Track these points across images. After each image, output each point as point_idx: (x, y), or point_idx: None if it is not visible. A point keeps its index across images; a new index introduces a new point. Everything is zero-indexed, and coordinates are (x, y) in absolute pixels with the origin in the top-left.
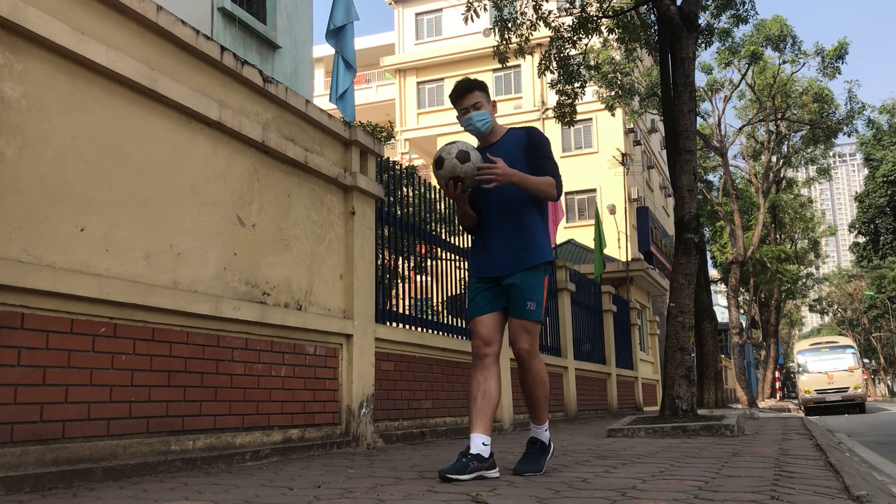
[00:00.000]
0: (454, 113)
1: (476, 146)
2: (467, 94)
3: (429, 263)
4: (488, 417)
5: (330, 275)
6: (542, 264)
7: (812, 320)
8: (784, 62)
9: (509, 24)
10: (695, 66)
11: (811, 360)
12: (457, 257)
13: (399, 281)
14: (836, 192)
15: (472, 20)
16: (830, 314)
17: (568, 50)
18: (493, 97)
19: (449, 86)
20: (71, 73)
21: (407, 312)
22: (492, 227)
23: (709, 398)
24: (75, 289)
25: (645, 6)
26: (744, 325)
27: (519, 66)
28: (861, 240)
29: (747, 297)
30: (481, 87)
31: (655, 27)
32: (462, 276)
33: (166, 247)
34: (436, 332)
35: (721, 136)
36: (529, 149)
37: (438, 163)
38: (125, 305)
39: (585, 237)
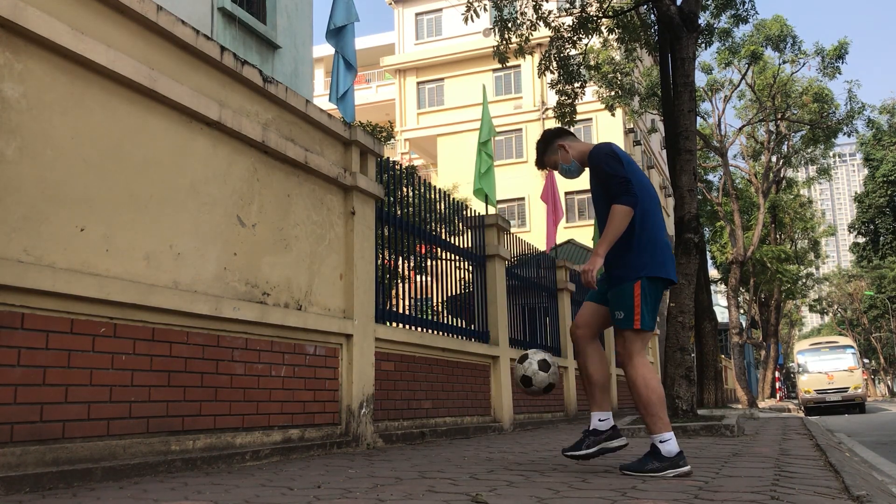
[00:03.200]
0: (454, 113)
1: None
2: (543, 167)
3: (429, 263)
4: (597, 395)
5: (330, 275)
6: (628, 280)
7: (812, 320)
8: (784, 62)
9: (509, 24)
10: (695, 66)
11: (811, 360)
12: (457, 257)
13: (399, 281)
14: (836, 192)
15: (472, 20)
16: (830, 314)
17: (568, 50)
18: (492, 97)
19: (449, 86)
20: (71, 73)
21: (407, 312)
22: None
23: (709, 398)
24: (75, 289)
25: (645, 6)
26: (744, 325)
27: (519, 66)
28: (861, 240)
29: (747, 297)
30: (544, 149)
31: (655, 27)
32: (462, 276)
33: (166, 247)
34: (436, 332)
35: (721, 136)
36: (595, 172)
37: (526, 381)
38: (125, 305)
39: (585, 237)
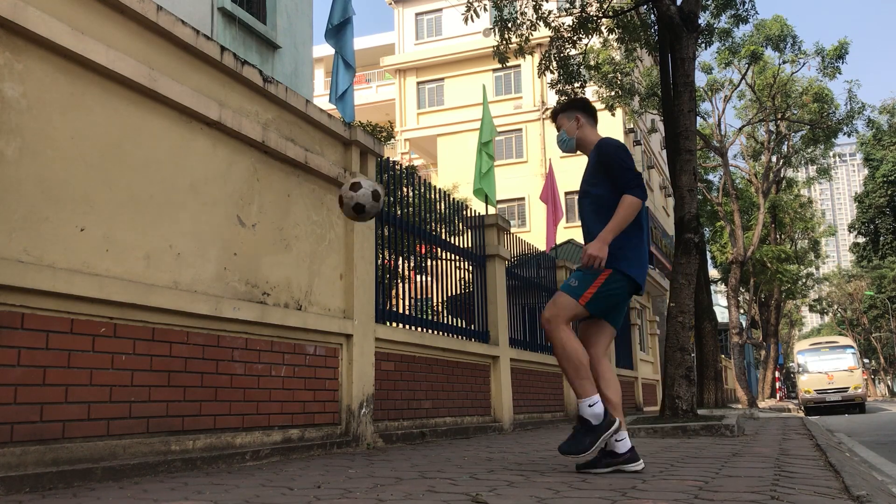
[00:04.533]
0: (454, 113)
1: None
2: (553, 121)
3: (429, 263)
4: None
5: (330, 275)
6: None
7: (812, 320)
8: (784, 62)
9: (509, 24)
10: (695, 66)
11: (811, 360)
12: (457, 257)
13: (399, 281)
14: (836, 192)
15: (472, 20)
16: (830, 314)
17: (568, 50)
18: (492, 97)
19: (449, 86)
20: (71, 73)
21: (407, 312)
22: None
23: (709, 398)
24: (75, 289)
25: (645, 6)
26: (744, 325)
27: (519, 66)
28: (861, 240)
29: (747, 297)
30: (565, 108)
31: (655, 27)
32: (462, 276)
33: (166, 247)
34: (436, 332)
35: (721, 136)
36: (605, 162)
37: (358, 209)
38: (125, 305)
39: None
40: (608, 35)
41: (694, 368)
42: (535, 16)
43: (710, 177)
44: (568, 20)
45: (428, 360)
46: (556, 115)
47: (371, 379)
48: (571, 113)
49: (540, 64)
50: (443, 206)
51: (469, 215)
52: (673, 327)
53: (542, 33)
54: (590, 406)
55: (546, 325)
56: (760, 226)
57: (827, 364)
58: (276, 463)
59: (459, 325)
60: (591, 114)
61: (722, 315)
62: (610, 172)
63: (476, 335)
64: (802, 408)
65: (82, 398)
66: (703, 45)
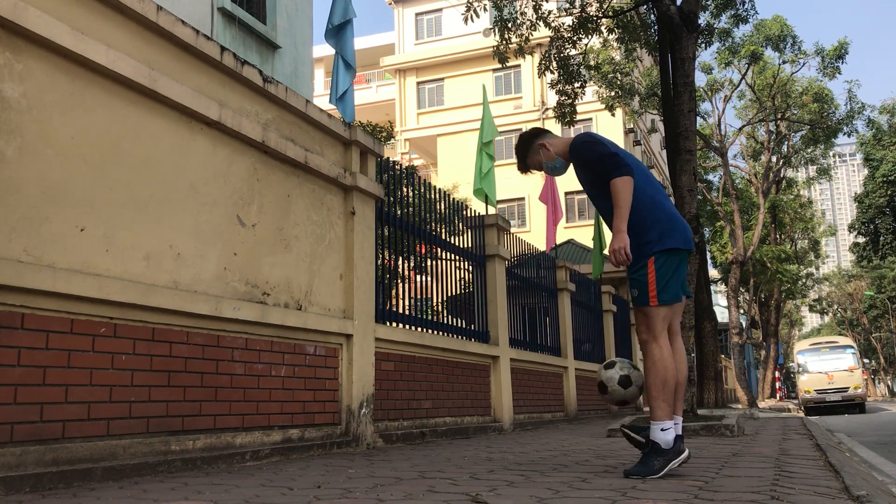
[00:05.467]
0: (454, 113)
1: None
2: (526, 170)
3: (429, 263)
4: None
5: (330, 275)
6: (642, 259)
7: (812, 320)
8: (784, 62)
9: (509, 24)
10: (695, 66)
11: (811, 360)
12: (457, 257)
13: (399, 281)
14: (836, 192)
15: (472, 20)
16: (830, 314)
17: (568, 50)
18: (492, 97)
19: (449, 85)
20: (71, 73)
21: (407, 312)
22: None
23: (709, 398)
24: (75, 289)
25: (645, 6)
26: (744, 325)
27: (519, 66)
28: (861, 240)
29: (747, 297)
30: (525, 151)
31: (655, 27)
32: (462, 276)
33: (166, 247)
34: (436, 332)
35: (721, 136)
36: (583, 163)
37: (601, 388)
38: (125, 305)
39: (585, 237)
40: (608, 35)
41: (694, 368)
42: (535, 16)
43: (710, 177)
44: (568, 20)
45: (428, 360)
46: (525, 167)
47: (371, 379)
48: (533, 148)
49: (540, 64)
50: (443, 206)
51: (469, 215)
52: None
53: (542, 33)
54: (662, 430)
55: (641, 341)
56: (760, 226)
57: (827, 364)
58: (276, 463)
59: (459, 325)
60: (544, 132)
61: (722, 315)
62: (592, 169)
63: (476, 335)
64: (802, 408)
65: (82, 398)
66: (703, 45)
